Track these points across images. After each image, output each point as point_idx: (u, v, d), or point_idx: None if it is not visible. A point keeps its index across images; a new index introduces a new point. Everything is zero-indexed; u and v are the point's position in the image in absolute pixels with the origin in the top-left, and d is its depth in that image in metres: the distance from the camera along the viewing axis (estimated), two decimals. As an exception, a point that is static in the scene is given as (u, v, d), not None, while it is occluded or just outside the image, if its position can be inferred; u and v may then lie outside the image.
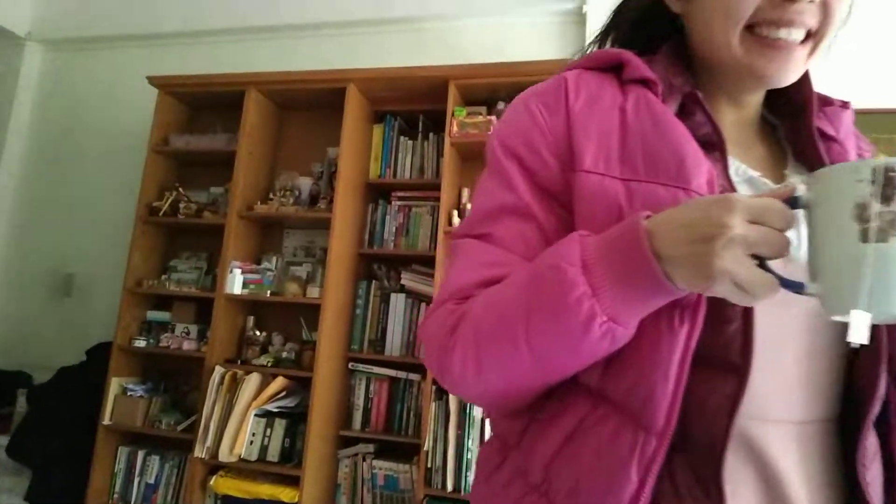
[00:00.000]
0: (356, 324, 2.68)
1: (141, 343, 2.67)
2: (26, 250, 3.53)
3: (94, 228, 3.41)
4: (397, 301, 2.67)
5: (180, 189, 2.84)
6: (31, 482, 2.64)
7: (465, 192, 2.63)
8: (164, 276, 2.81)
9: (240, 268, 2.62)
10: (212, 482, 2.45)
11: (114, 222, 3.34)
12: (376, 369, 2.63)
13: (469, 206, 2.51)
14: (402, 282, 2.68)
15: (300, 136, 2.98)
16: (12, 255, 3.55)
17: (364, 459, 2.58)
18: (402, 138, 2.77)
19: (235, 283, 2.58)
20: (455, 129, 2.49)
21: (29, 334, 3.41)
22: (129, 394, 2.65)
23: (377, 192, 2.82)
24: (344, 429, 2.61)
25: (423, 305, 2.64)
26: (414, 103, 2.72)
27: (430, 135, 2.74)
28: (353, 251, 2.69)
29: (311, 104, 2.90)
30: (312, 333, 2.61)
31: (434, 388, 2.34)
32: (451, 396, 2.26)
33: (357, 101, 2.66)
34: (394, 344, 2.64)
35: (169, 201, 2.79)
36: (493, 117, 2.48)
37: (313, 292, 2.57)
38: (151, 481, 2.59)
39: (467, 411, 2.25)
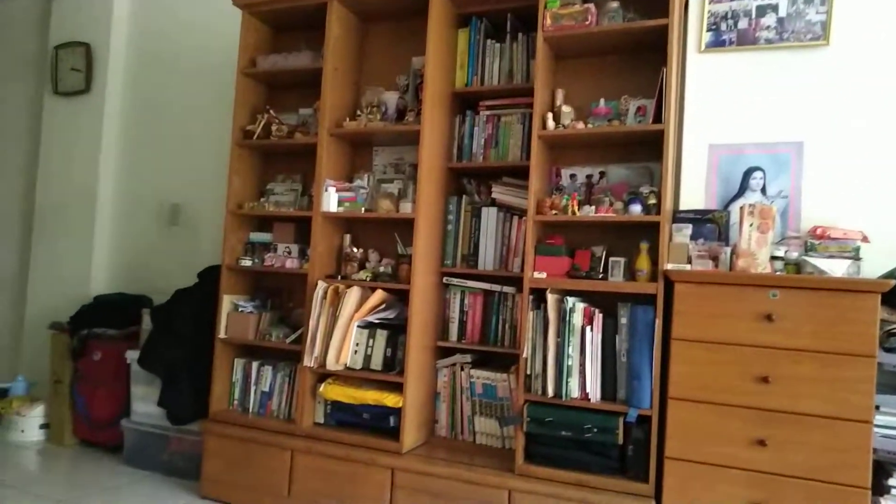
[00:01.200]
0: (448, 239, 2.68)
1: (247, 262, 2.80)
2: (135, 186, 3.75)
3: (194, 159, 3.56)
4: (488, 215, 2.63)
5: (271, 111, 2.87)
6: (161, 390, 2.90)
7: (560, 94, 2.49)
8: (262, 199, 2.90)
9: (334, 186, 2.65)
10: (321, 389, 2.59)
11: (211, 151, 3.47)
12: (470, 283, 2.64)
13: (563, 108, 2.42)
14: (493, 195, 2.63)
15: (384, 47, 2.92)
16: (124, 191, 3.79)
17: (462, 369, 2.63)
18: (488, 42, 2.65)
19: (331, 201, 2.62)
20: (548, 22, 2.33)
21: (146, 263, 3.67)
22: (240, 310, 2.81)
23: (464, 103, 2.74)
24: (441, 340, 2.66)
25: (514, 219, 2.59)
26: (500, 1, 2.58)
27: (519, 35, 2.60)
28: (442, 165, 2.65)
29: (393, 13, 2.81)
30: (407, 248, 2.63)
31: (531, 298, 2.31)
32: (549, 305, 2.24)
33: (440, 4, 2.55)
34: (486, 258, 2.62)
35: (261, 124, 2.84)
36: (591, 5, 2.30)
37: (406, 208, 2.57)
38: (266, 389, 2.77)
39: (567, 320, 2.22)
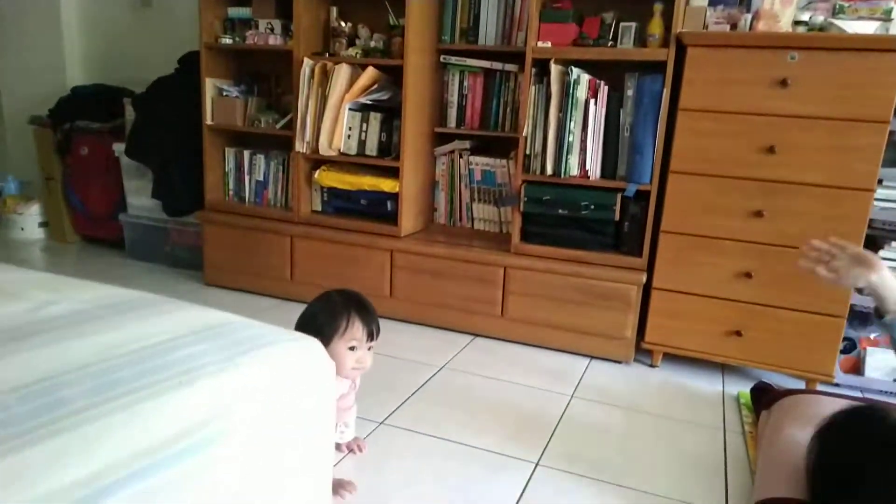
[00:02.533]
0: (446, 11, 2.47)
1: (227, 41, 2.61)
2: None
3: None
4: (490, -17, 2.40)
5: None
6: (154, 182, 2.86)
7: None
8: (238, -29, 2.63)
9: (316, -49, 2.38)
10: (316, 176, 2.55)
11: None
12: (469, 61, 2.48)
13: None
14: (495, -40, 2.37)
15: None
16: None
17: (460, 156, 2.58)
18: None
19: (313, -32, 2.37)
20: None
21: (122, 51, 3.44)
22: (224, 94, 2.68)
23: None
24: (439, 126, 2.57)
25: (519, -14, 2.36)
26: None
27: None
28: (438, -75, 2.36)
29: None
30: (399, 19, 2.44)
31: (534, 71, 2.18)
32: (552, 77, 2.11)
33: None
34: (488, 32, 2.44)
35: None
36: None
37: (397, -25, 2.33)
38: (261, 178, 2.74)
39: (570, 93, 2.11)
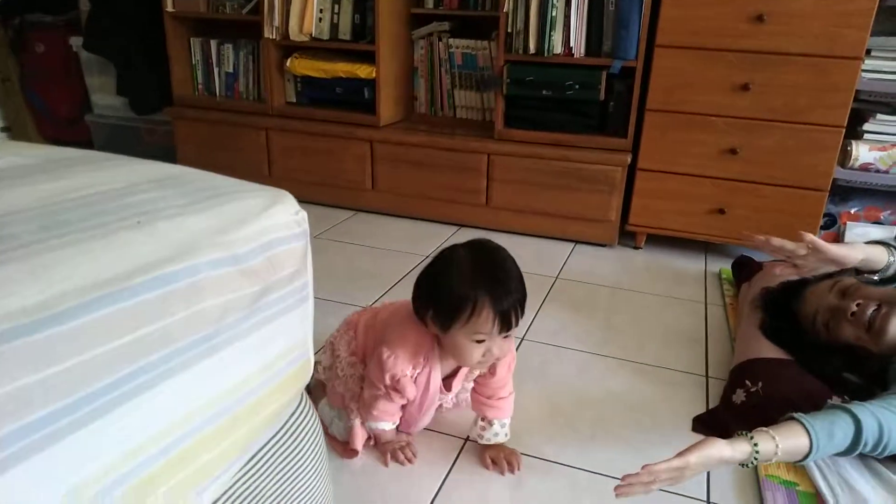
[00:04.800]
0: None
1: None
2: None
3: None
4: None
5: None
6: (118, 77, 2.72)
7: None
8: None
9: None
10: (288, 64, 2.43)
11: None
12: (445, -68, 2.31)
13: None
14: None
15: None
16: None
17: (440, 39, 2.45)
18: None
19: None
20: None
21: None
22: (185, -22, 2.50)
23: None
24: (416, 7, 2.43)
25: None
26: None
27: None
28: None
29: None
30: None
31: (513, -61, 2.04)
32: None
33: None
34: None
35: None
36: None
37: None
38: (230, 70, 2.61)
39: (552, -38, 1.98)
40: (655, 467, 0.89)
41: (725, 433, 1.26)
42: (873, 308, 1.19)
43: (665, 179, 2.09)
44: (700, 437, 1.24)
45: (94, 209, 0.53)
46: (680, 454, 0.92)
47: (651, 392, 1.42)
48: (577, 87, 2.10)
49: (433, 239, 2.26)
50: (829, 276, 1.32)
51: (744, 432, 0.98)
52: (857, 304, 1.20)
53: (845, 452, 1.02)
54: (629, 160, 2.10)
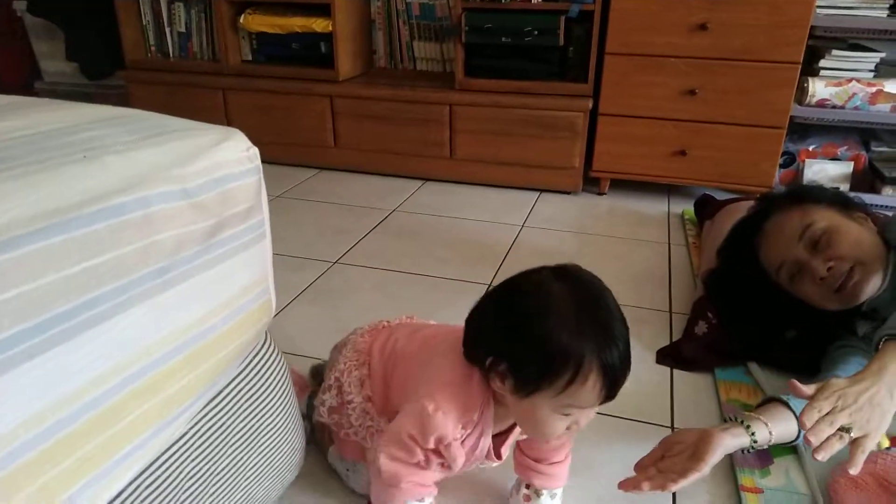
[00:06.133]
0: None
1: None
2: None
3: None
4: None
5: None
6: (66, 41, 2.61)
7: None
8: None
9: None
10: (242, 21, 2.36)
11: None
12: None
13: None
14: None
15: None
16: None
17: (396, -11, 2.40)
18: None
19: None
20: None
21: None
22: (126, -68, 2.39)
23: None
24: (369, -44, 2.37)
25: None
26: None
27: None
28: None
29: None
30: None
31: None
32: None
33: None
34: None
35: None
36: None
37: None
38: (183, 30, 2.52)
39: None
40: (676, 484, 0.84)
41: (688, 364, 1.31)
42: (845, 271, 1.10)
43: (627, 124, 2.10)
44: (662, 368, 1.30)
45: (39, 146, 0.52)
46: (694, 465, 0.86)
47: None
48: (535, 32, 2.08)
49: (399, 194, 2.25)
50: (797, 199, 1.21)
51: (736, 418, 0.97)
52: (829, 269, 1.11)
53: None
54: (591, 105, 2.10)
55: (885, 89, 1.94)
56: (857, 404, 0.79)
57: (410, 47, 2.49)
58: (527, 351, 0.70)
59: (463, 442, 0.77)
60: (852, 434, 0.77)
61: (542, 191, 2.29)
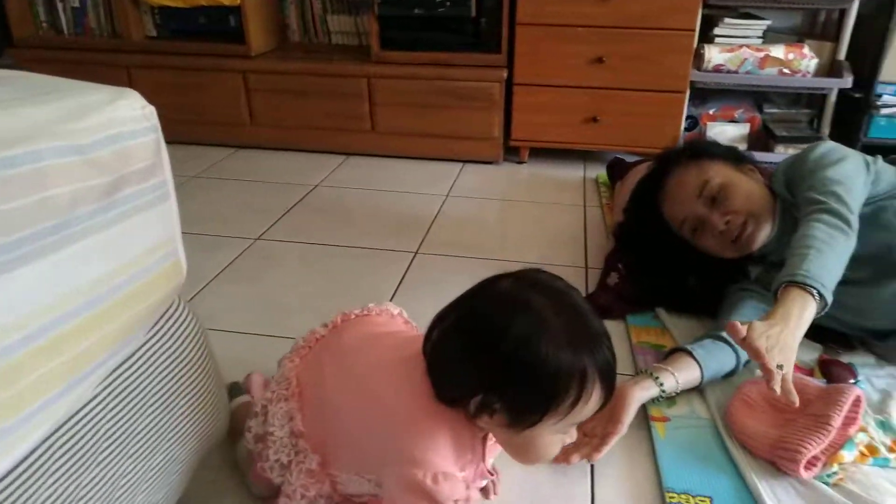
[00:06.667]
0: None
1: None
2: None
3: None
4: None
5: None
6: (-56, 19, 2.41)
7: None
8: None
9: None
10: None
11: None
12: None
13: None
14: None
15: None
16: None
17: (305, -39, 2.35)
18: None
19: None
20: None
21: None
22: None
23: None
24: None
25: None
26: None
27: None
28: None
29: None
30: None
31: None
32: None
33: None
34: None
35: None
36: None
37: None
38: (76, 4, 2.37)
39: None
40: (600, 453, 0.93)
41: (602, 313, 1.38)
42: (740, 224, 1.20)
43: (541, 93, 2.16)
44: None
45: None
46: (613, 428, 0.95)
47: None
48: (447, 3, 2.09)
49: (321, 170, 2.23)
50: (694, 155, 1.29)
51: (645, 370, 1.06)
52: (726, 223, 1.20)
53: (731, 374, 1.12)
54: (506, 76, 2.14)
55: (772, 54, 2.08)
56: (779, 345, 0.88)
57: (324, 21, 2.45)
58: (522, 383, 0.61)
59: (466, 479, 0.69)
60: (783, 370, 0.88)
61: (465, 162, 2.33)
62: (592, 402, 0.63)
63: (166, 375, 0.69)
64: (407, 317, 0.91)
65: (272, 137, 2.35)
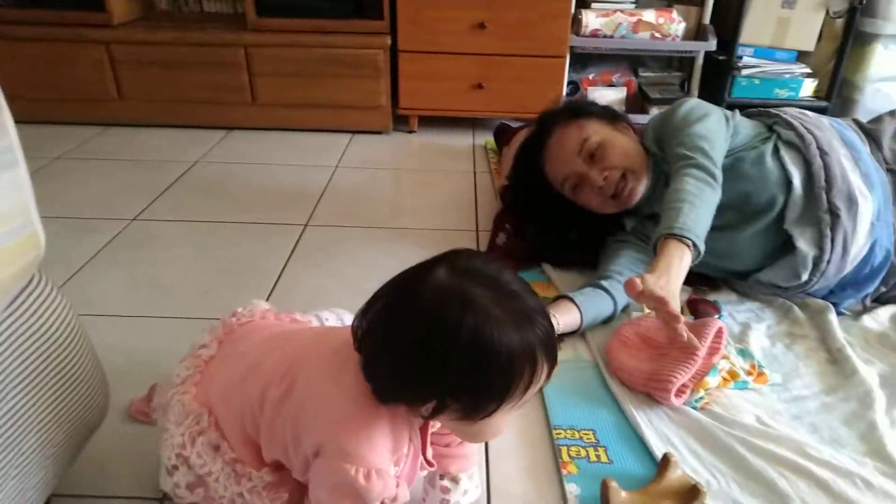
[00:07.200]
0: None
1: None
2: None
3: None
4: None
5: None
6: None
7: None
8: None
9: None
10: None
11: None
12: None
13: None
14: None
15: None
16: None
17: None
18: None
19: None
20: None
21: None
22: None
23: None
24: None
25: None
26: None
27: None
28: None
29: None
30: None
31: None
32: None
33: None
34: None
35: None
36: None
37: None
38: None
39: None
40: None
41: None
42: (618, 178, 1.25)
43: (427, 60, 2.16)
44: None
45: None
46: None
47: (431, 252, 1.52)
48: (326, -32, 2.04)
49: (200, 145, 2.12)
50: (573, 114, 1.33)
51: None
52: (605, 178, 1.25)
53: (609, 319, 1.20)
54: (389, 42, 2.12)
55: (644, 18, 2.19)
56: (668, 294, 0.96)
57: (194, -13, 2.31)
58: (478, 381, 0.60)
59: (398, 475, 0.67)
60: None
61: (354, 132, 2.29)
62: (542, 378, 0.63)
63: (30, 355, 0.64)
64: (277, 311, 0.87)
65: (144, 113, 2.20)
